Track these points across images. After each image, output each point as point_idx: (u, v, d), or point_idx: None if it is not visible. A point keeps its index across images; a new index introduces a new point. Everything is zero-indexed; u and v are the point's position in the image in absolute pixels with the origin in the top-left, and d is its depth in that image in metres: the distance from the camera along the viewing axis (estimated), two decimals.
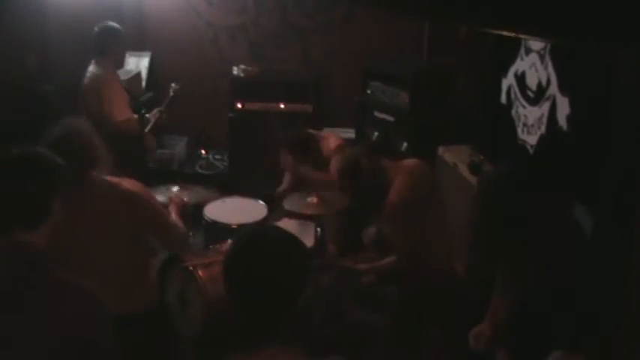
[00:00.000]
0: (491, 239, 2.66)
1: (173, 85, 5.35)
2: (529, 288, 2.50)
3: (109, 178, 3.08)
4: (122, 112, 4.93)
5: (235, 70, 6.19)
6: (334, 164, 3.86)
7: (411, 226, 3.66)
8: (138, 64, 5.95)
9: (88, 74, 4.99)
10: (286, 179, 5.00)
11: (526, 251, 2.54)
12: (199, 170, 6.25)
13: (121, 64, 5.38)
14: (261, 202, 4.83)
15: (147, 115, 5.11)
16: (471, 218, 2.76)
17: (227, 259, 1.91)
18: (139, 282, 3.20)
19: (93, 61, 5.01)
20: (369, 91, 5.70)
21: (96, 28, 5.01)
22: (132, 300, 3.07)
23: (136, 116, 4.97)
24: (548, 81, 4.05)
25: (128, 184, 3.09)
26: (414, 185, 3.70)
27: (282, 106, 5.98)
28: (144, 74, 6.08)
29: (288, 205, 4.44)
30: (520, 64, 4.50)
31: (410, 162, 3.92)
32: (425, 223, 3.71)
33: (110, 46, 5.03)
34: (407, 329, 3.67)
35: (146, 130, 5.01)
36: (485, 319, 2.93)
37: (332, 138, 4.85)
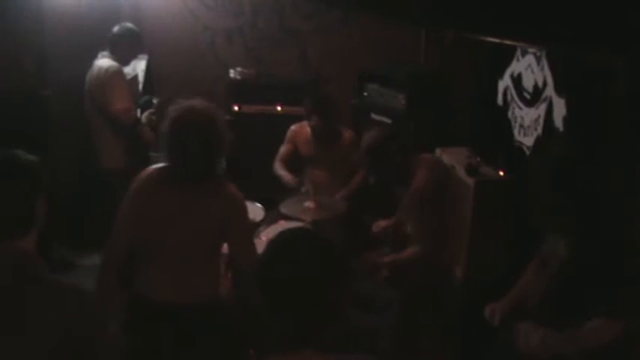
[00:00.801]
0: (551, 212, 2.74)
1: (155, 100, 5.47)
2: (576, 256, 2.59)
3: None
4: (121, 100, 4.95)
5: (232, 73, 6.19)
6: (365, 140, 3.88)
7: (435, 214, 3.76)
8: (135, 67, 5.93)
9: (93, 65, 5.03)
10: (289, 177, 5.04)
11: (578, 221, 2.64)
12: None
13: (127, 62, 5.42)
14: (258, 204, 4.83)
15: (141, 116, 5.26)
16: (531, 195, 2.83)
17: (261, 262, 1.90)
18: (213, 276, 3.23)
19: (100, 54, 5.07)
20: (366, 94, 5.71)
21: (115, 27, 5.14)
22: (205, 292, 3.11)
23: (132, 108, 5.05)
24: (545, 82, 4.07)
25: (233, 188, 3.15)
26: (437, 176, 3.82)
27: (279, 108, 5.99)
28: (141, 77, 6.07)
29: (285, 209, 4.45)
30: (516, 66, 4.52)
31: (429, 156, 4.15)
32: (444, 215, 3.83)
33: (122, 44, 5.12)
34: (407, 332, 3.68)
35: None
36: (505, 297, 3.02)
37: (348, 131, 5.07)
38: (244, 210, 3.17)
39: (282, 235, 1.97)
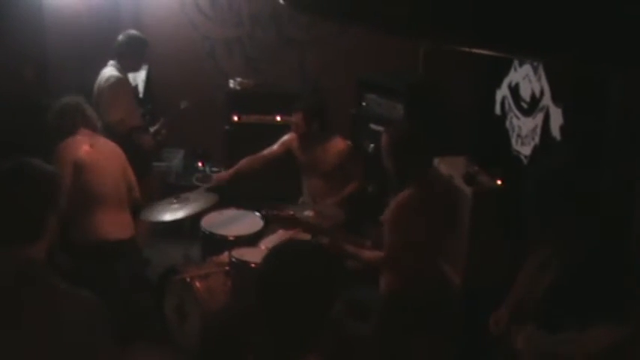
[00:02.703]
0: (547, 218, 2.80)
1: (183, 102, 5.68)
2: (573, 261, 2.64)
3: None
4: (115, 112, 5.00)
5: (232, 83, 6.23)
6: (385, 137, 3.65)
7: (406, 234, 3.53)
8: (135, 77, 5.97)
9: (100, 74, 5.08)
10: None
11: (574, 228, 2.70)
12: (196, 182, 6.26)
13: (135, 69, 5.48)
14: (258, 213, 4.86)
15: (150, 129, 5.38)
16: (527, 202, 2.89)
17: (260, 272, 1.93)
18: None
19: (109, 63, 5.15)
20: (364, 104, 5.73)
21: (120, 36, 5.24)
22: None
23: (126, 119, 5.10)
24: (542, 92, 4.10)
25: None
26: (421, 197, 3.55)
27: (278, 118, 6.01)
28: (141, 87, 6.12)
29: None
30: (514, 76, 4.55)
31: (424, 173, 3.76)
32: (420, 235, 3.56)
33: (125, 52, 5.19)
34: (396, 339, 3.67)
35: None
36: (504, 305, 3.01)
37: (341, 140, 4.96)
38: None
39: (281, 245, 2.01)
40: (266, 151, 5.09)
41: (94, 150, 4.41)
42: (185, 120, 5.75)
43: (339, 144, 4.91)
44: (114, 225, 4.41)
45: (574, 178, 2.70)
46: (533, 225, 3.00)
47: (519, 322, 2.84)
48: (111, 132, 4.97)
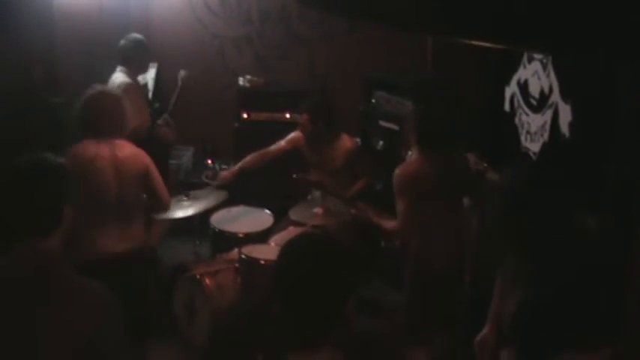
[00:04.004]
0: (506, 235, 2.71)
1: (182, 72, 5.59)
2: (537, 283, 2.53)
3: None
4: (133, 119, 5.00)
5: (241, 81, 6.24)
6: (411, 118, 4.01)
7: (406, 203, 3.76)
8: (145, 75, 5.99)
9: (110, 81, 5.12)
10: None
11: (536, 247, 2.57)
12: (206, 180, 6.29)
13: (143, 71, 5.50)
14: (267, 210, 4.87)
15: (158, 122, 5.38)
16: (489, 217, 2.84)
17: (277, 265, 1.94)
18: None
19: (118, 68, 5.18)
20: (373, 101, 5.73)
21: (122, 40, 5.21)
22: None
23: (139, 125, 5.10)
24: (551, 88, 4.09)
25: None
26: (417, 169, 3.81)
27: (287, 115, 6.02)
28: (150, 85, 6.14)
29: (294, 215, 4.49)
30: (523, 72, 4.54)
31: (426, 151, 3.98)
32: (421, 207, 3.79)
33: (132, 56, 5.20)
34: (411, 335, 3.69)
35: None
36: (486, 325, 2.93)
37: (348, 138, 4.99)
38: None
39: (296, 239, 2.02)
40: (273, 147, 5.09)
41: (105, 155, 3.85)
42: (189, 114, 5.72)
43: (346, 142, 4.92)
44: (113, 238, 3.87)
45: (531, 196, 2.54)
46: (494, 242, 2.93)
47: (502, 343, 2.78)
48: (132, 138, 4.96)
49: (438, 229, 3.80)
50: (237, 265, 4.34)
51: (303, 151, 5.02)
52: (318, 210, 4.45)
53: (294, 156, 5.08)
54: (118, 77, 5.12)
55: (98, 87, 3.91)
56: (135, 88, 5.20)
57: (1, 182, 2.19)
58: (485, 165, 4.47)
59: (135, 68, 5.23)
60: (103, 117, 3.79)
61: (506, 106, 4.80)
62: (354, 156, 4.88)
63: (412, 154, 3.96)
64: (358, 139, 5.71)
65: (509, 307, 2.60)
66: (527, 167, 3.64)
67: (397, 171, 3.81)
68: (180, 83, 5.56)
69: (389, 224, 3.92)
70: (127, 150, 3.85)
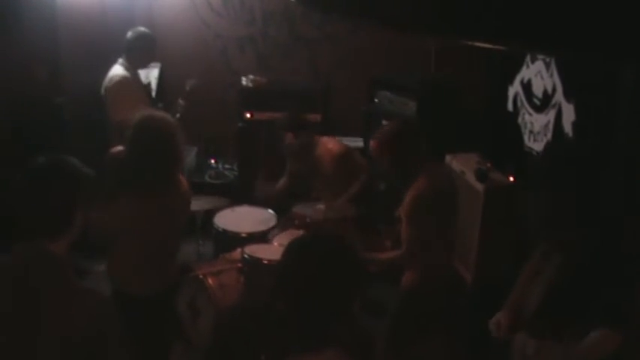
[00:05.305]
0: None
1: (191, 81, 5.60)
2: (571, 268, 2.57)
3: None
4: (120, 112, 4.99)
5: (244, 81, 6.24)
6: (379, 134, 3.64)
7: (424, 227, 3.51)
8: (148, 75, 6.00)
9: (109, 72, 5.10)
10: (282, 180, 5.15)
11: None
12: (209, 180, 6.29)
13: (144, 65, 5.48)
14: (271, 210, 4.87)
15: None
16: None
17: (282, 265, 1.94)
18: None
19: (118, 61, 5.15)
20: (376, 101, 5.73)
21: (129, 33, 5.19)
22: None
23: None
24: (554, 88, 4.09)
25: None
26: (438, 187, 3.53)
27: None
28: (154, 85, 6.14)
29: (298, 209, 4.52)
30: (526, 72, 4.54)
31: (436, 165, 3.79)
32: (438, 227, 3.59)
33: (133, 47, 5.17)
34: (411, 336, 3.67)
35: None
36: (504, 308, 2.97)
37: (331, 141, 4.92)
38: None
39: (301, 239, 2.01)
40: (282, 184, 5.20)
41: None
42: (193, 113, 5.71)
43: (331, 149, 4.85)
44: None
45: (573, 173, 2.62)
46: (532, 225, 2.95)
47: (517, 328, 2.80)
48: (120, 131, 4.99)
49: (439, 242, 3.63)
50: (240, 265, 4.34)
51: (298, 164, 5.02)
52: (320, 207, 4.48)
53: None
54: (114, 69, 5.11)
55: None
56: (131, 82, 5.18)
57: (15, 180, 2.17)
58: (489, 165, 4.47)
59: (135, 60, 5.20)
60: None
61: (510, 106, 4.80)
62: (343, 159, 4.80)
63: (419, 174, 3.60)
64: (360, 139, 5.73)
65: (532, 296, 2.65)
66: (568, 147, 3.63)
67: (416, 192, 3.48)
68: (187, 89, 5.56)
69: (388, 255, 3.70)
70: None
